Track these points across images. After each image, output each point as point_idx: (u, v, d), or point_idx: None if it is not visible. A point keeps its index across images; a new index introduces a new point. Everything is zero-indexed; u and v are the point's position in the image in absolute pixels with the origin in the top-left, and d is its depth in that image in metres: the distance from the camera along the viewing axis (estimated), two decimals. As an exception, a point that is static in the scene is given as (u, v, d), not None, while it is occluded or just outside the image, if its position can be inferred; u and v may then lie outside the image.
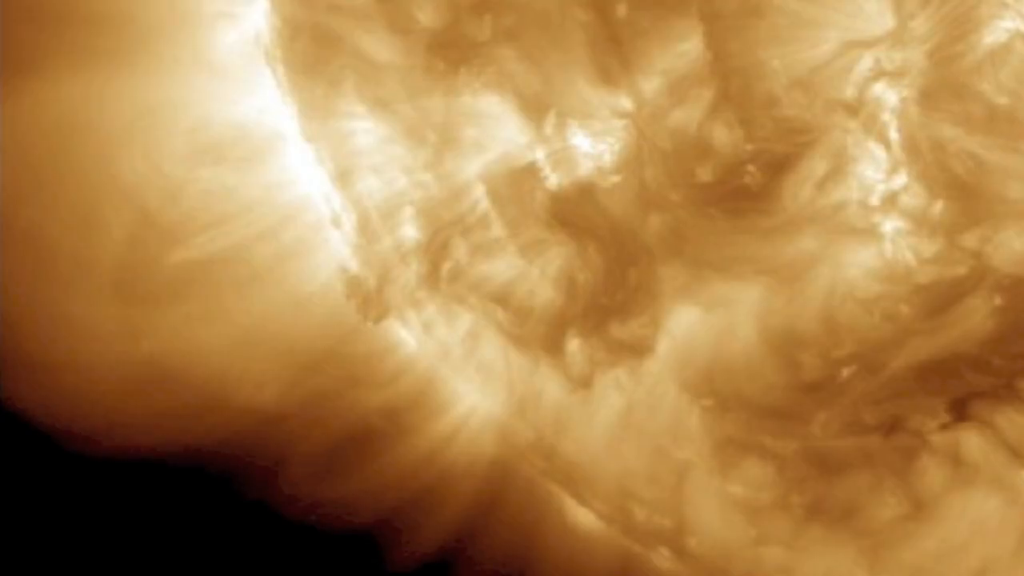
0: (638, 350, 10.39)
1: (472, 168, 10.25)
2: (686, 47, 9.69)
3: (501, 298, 10.44)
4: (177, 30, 10.57)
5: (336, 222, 10.76)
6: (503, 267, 10.39)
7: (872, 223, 9.76)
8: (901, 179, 9.64)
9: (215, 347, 10.69)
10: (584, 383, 10.54)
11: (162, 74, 10.56)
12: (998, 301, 9.66)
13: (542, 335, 10.46)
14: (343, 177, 10.64)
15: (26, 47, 10.38)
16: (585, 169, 10.07)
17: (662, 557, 10.88)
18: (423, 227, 10.52)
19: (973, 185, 9.52)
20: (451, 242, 10.43)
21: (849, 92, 9.55)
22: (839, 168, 9.70)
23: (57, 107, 10.44)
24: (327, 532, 10.69)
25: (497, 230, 10.32)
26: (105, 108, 10.53)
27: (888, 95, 9.54)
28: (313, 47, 10.45)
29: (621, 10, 9.71)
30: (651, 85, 9.81)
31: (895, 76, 9.47)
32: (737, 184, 9.83)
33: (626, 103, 9.88)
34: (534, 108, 10.03)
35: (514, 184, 10.20)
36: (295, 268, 10.74)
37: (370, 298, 10.75)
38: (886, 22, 9.41)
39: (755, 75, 9.60)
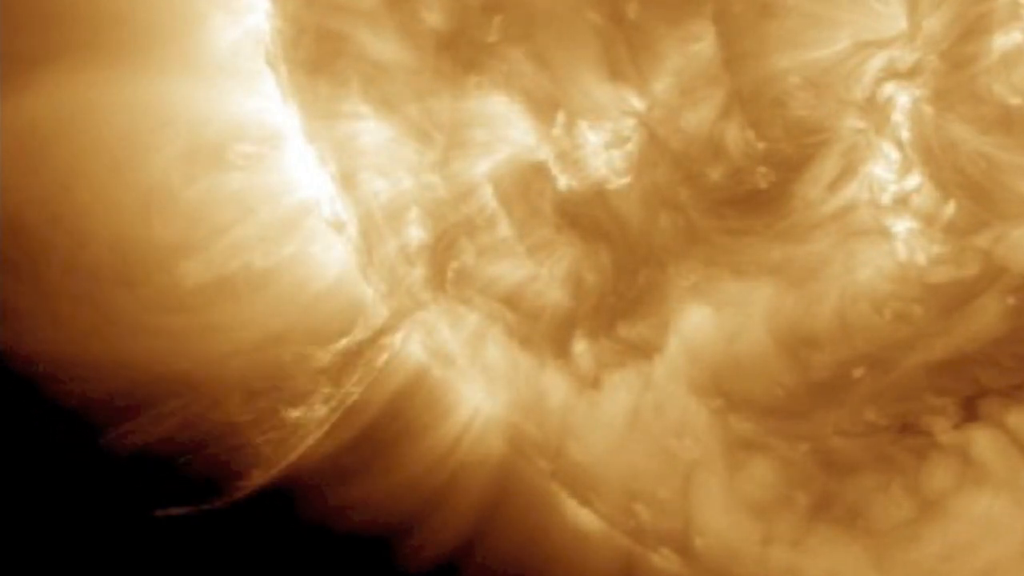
0: (646, 350, 10.36)
1: (480, 169, 10.20)
2: (698, 47, 9.67)
3: (509, 299, 10.39)
4: (178, 30, 10.48)
5: (339, 224, 10.68)
6: (511, 268, 10.34)
7: (884, 223, 9.75)
8: (913, 179, 9.63)
9: (218, 351, 10.61)
10: (592, 384, 10.50)
11: (163, 74, 10.48)
12: (1010, 301, 9.67)
13: (550, 336, 10.42)
14: (347, 178, 10.57)
15: (26, 47, 10.27)
16: (595, 169, 10.02)
17: (666, 558, 10.85)
18: (429, 228, 10.45)
19: (986, 185, 9.53)
20: (458, 243, 10.37)
21: (861, 92, 9.54)
22: (851, 168, 9.70)
23: (58, 107, 10.34)
24: (339, 534, 10.64)
25: (505, 231, 10.26)
26: (106, 108, 10.44)
27: (900, 95, 9.53)
28: (317, 47, 10.38)
29: (632, 10, 9.66)
30: (662, 85, 9.77)
31: (908, 76, 9.47)
32: (748, 185, 9.81)
33: (637, 103, 9.85)
34: (543, 108, 9.99)
35: (523, 185, 10.16)
36: (298, 272, 10.67)
37: (375, 300, 10.69)
38: (899, 23, 9.40)
39: (767, 76, 9.58)
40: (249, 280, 10.55)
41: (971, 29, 9.32)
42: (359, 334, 10.67)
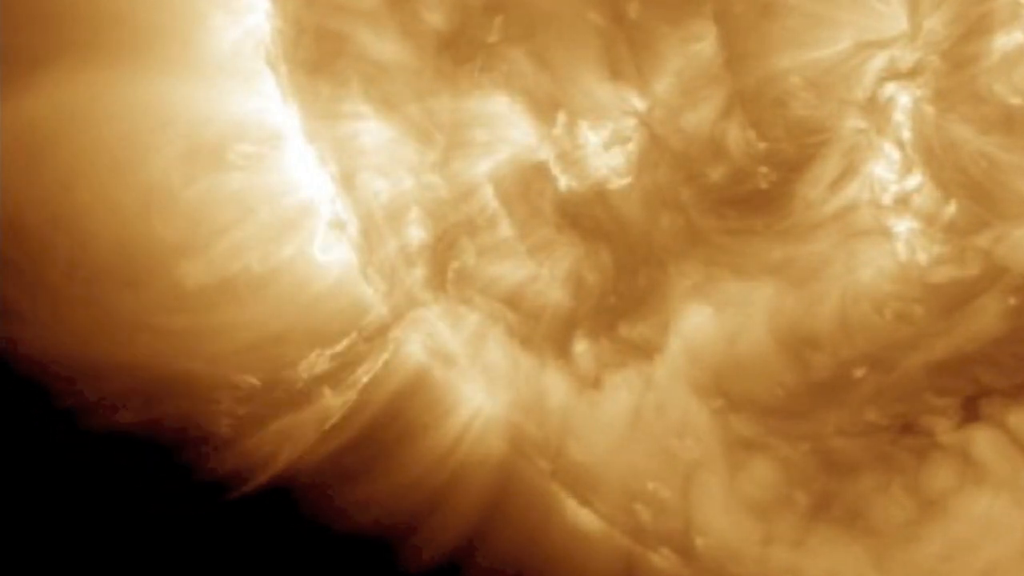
0: (647, 351, 10.36)
1: (481, 169, 10.20)
2: (699, 47, 9.66)
3: (510, 299, 10.39)
4: (178, 30, 10.48)
5: (340, 225, 10.67)
6: (512, 268, 10.34)
7: (885, 223, 9.76)
8: (915, 179, 9.64)
9: (218, 351, 10.60)
10: (592, 384, 10.50)
11: (163, 74, 10.47)
12: (1011, 301, 9.68)
13: (551, 336, 10.42)
14: (347, 179, 10.57)
15: (26, 47, 10.26)
16: (596, 169, 10.02)
17: (666, 558, 10.85)
18: (430, 228, 10.45)
19: (987, 185, 9.53)
20: (458, 243, 10.37)
21: (862, 92, 9.54)
22: (852, 168, 9.70)
23: (58, 107, 10.33)
24: (340, 534, 10.64)
25: (505, 231, 10.26)
26: (106, 108, 10.43)
27: (902, 95, 9.54)
28: (317, 47, 10.38)
29: (633, 10, 9.66)
30: (663, 85, 9.77)
31: (909, 76, 9.47)
32: (749, 185, 9.82)
33: (638, 103, 9.85)
34: (544, 108, 9.99)
35: (523, 185, 10.16)
36: (299, 273, 10.66)
37: (376, 301, 10.68)
38: (900, 23, 9.40)
39: (768, 75, 9.58)
40: (249, 281, 10.54)
41: (972, 29, 9.32)
42: (359, 334, 10.66)
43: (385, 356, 10.72)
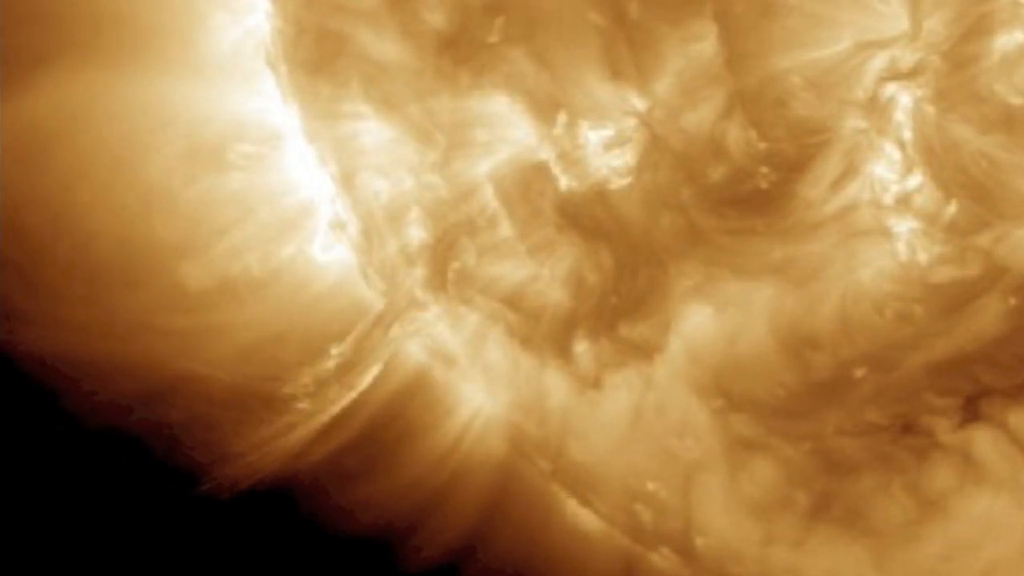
0: (647, 351, 10.36)
1: (481, 169, 10.20)
2: (700, 47, 9.67)
3: (510, 299, 10.39)
4: (178, 30, 10.47)
5: (340, 225, 10.67)
6: (512, 268, 10.34)
7: (885, 223, 9.76)
8: (915, 179, 9.65)
9: (219, 352, 10.59)
10: (593, 384, 10.50)
11: (163, 74, 10.46)
12: (1012, 301, 9.68)
13: (551, 336, 10.42)
14: (347, 179, 10.56)
15: (26, 47, 10.25)
16: (596, 170, 10.02)
17: (666, 558, 10.85)
18: (430, 228, 10.44)
19: (987, 185, 9.54)
20: (458, 243, 10.37)
21: (863, 92, 9.55)
22: (852, 168, 9.71)
23: (58, 107, 10.33)
24: (340, 534, 10.64)
25: (506, 231, 10.26)
26: (106, 108, 10.42)
27: (902, 95, 9.54)
28: (317, 47, 10.37)
29: (634, 10, 9.67)
30: (664, 85, 9.78)
31: (909, 77, 9.48)
32: (750, 185, 9.82)
33: (638, 103, 9.85)
34: (545, 109, 9.98)
35: (524, 185, 10.16)
36: (299, 273, 10.66)
37: (376, 301, 10.68)
38: (900, 23, 9.40)
39: (769, 75, 9.58)
40: (249, 281, 10.54)
41: (972, 29, 9.33)
42: (359, 335, 10.65)
43: (385, 356, 10.71)
